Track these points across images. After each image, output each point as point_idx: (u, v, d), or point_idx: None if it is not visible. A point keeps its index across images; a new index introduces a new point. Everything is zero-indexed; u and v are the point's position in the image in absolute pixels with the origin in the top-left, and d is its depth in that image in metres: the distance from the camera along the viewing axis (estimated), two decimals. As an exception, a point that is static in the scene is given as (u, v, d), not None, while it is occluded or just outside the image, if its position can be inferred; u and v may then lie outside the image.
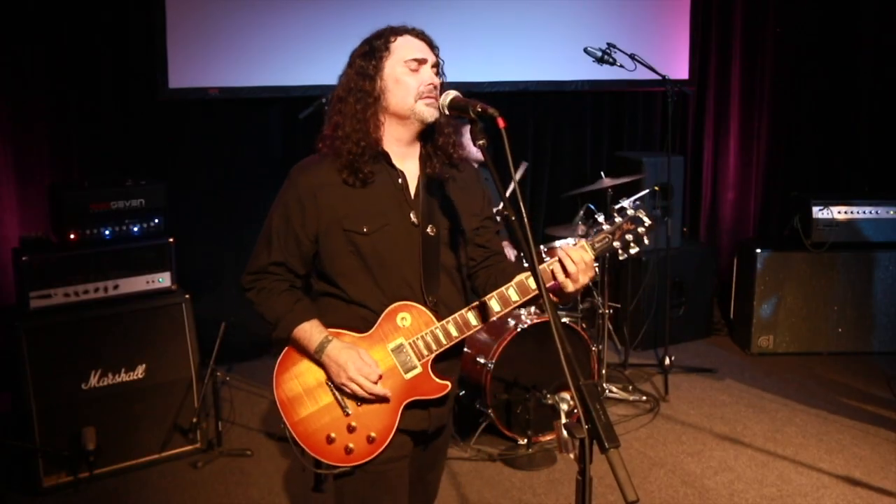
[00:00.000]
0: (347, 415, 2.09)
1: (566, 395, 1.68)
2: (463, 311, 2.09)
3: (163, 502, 3.58)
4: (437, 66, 2.10)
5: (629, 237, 2.11)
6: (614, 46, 4.56)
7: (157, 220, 3.91)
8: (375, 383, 2.05)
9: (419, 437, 2.22)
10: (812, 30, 6.24)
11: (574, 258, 2.00)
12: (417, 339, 2.08)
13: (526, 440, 3.95)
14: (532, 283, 2.07)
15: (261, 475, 3.79)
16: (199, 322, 3.95)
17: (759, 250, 5.22)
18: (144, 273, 3.84)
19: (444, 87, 2.11)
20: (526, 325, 3.99)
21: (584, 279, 2.01)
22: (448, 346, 2.09)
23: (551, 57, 5.55)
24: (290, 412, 2.12)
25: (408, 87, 2.04)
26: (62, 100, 4.42)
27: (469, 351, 4.16)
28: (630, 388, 4.64)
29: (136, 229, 3.86)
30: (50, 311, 3.62)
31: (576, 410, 1.57)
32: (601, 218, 2.13)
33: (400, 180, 2.10)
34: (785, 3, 6.21)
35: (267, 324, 2.16)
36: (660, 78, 4.58)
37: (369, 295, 2.09)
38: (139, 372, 3.79)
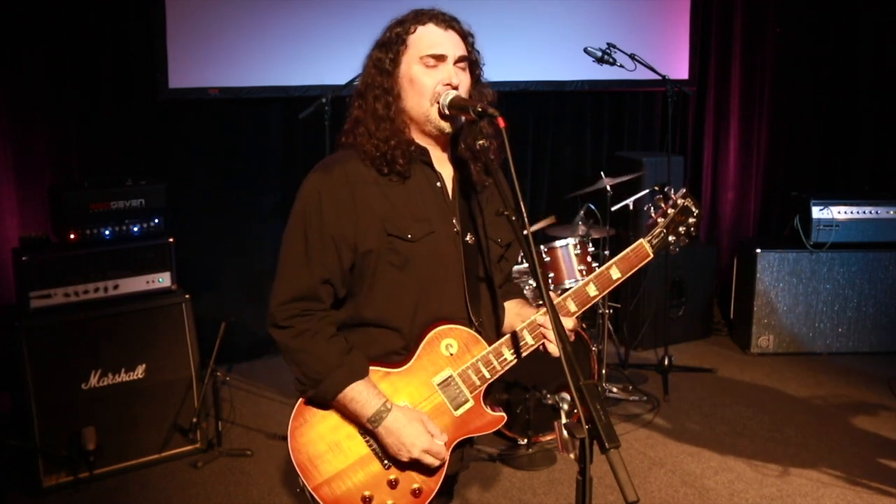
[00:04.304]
0: (388, 468, 1.79)
1: (566, 395, 1.66)
2: (517, 328, 1.83)
3: (163, 502, 3.58)
4: (464, 60, 1.81)
5: (682, 230, 1.94)
6: (614, 46, 4.55)
7: (157, 220, 3.91)
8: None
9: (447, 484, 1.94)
10: (812, 30, 6.25)
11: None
12: (467, 367, 1.80)
13: (526, 440, 3.95)
14: (570, 306, 1.91)
15: (261, 475, 3.79)
16: (199, 322, 3.95)
17: (759, 250, 5.22)
18: (144, 273, 3.84)
19: (480, 85, 1.86)
20: (526, 325, 3.98)
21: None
22: (502, 372, 1.83)
23: (551, 57, 5.55)
24: (311, 474, 1.79)
25: (423, 87, 1.75)
26: (62, 99, 4.41)
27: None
28: (630, 388, 4.64)
29: (136, 229, 3.86)
30: (50, 311, 3.62)
31: (576, 410, 1.56)
32: (652, 211, 1.96)
33: (438, 183, 1.83)
34: (785, 4, 6.21)
35: (304, 377, 1.75)
36: (660, 78, 4.58)
37: (403, 316, 1.78)
38: (139, 372, 3.79)
